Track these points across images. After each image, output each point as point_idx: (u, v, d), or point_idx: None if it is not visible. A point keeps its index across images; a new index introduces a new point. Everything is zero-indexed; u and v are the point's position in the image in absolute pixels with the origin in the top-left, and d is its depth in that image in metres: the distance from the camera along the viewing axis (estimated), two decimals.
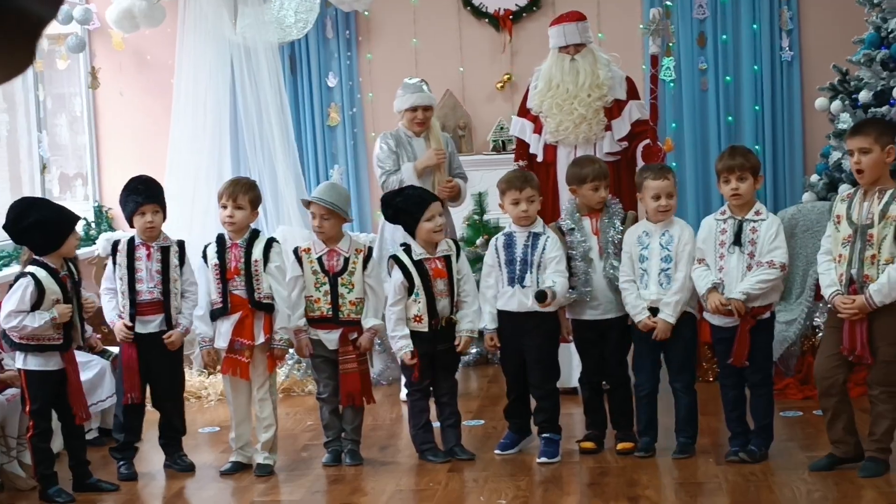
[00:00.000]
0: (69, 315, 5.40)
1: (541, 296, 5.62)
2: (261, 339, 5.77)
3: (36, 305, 5.33)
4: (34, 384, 5.42)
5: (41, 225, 5.36)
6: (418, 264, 5.80)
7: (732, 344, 5.47)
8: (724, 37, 9.00)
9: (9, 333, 5.42)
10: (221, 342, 5.80)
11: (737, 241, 5.46)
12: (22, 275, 5.40)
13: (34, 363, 5.41)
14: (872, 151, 5.15)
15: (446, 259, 5.82)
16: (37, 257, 5.42)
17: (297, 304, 5.81)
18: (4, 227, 5.48)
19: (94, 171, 9.32)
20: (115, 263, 5.81)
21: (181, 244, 5.94)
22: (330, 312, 5.77)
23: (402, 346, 5.78)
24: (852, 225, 5.19)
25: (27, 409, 5.46)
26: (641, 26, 8.55)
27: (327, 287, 5.78)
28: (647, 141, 6.81)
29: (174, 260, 5.84)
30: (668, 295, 5.62)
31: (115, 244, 5.87)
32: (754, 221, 5.48)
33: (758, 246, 5.44)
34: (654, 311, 5.65)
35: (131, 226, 5.87)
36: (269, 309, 5.76)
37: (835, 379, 5.28)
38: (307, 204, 5.98)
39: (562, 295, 5.68)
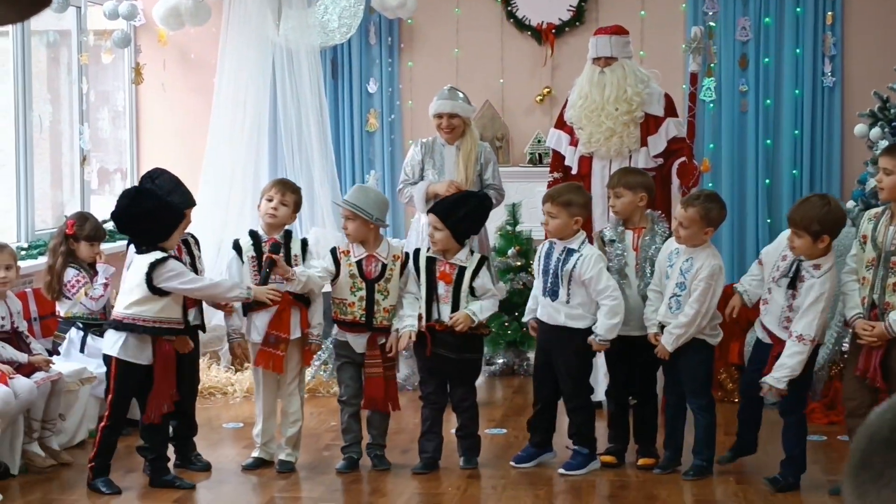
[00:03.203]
0: (269, 297, 5.66)
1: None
2: (297, 333, 5.79)
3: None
4: (122, 374, 5.38)
5: (154, 213, 5.36)
6: (429, 263, 5.81)
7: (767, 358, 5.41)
8: (766, 60, 8.97)
9: (123, 315, 5.33)
10: (256, 336, 5.81)
11: (792, 284, 5.31)
12: (159, 263, 5.31)
13: (131, 353, 5.34)
14: (894, 174, 5.13)
15: (460, 268, 5.80)
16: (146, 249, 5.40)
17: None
18: (116, 215, 5.40)
19: (133, 166, 9.40)
20: None
21: (193, 236, 5.96)
22: (363, 318, 5.76)
23: (406, 324, 5.74)
24: (876, 249, 5.14)
25: (109, 398, 5.42)
26: (683, 45, 8.55)
27: (363, 293, 5.75)
28: (683, 158, 6.80)
29: (196, 251, 5.89)
30: (672, 325, 5.57)
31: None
32: (807, 271, 5.29)
33: (798, 298, 5.30)
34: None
35: None
36: (307, 302, 5.81)
37: (861, 400, 5.23)
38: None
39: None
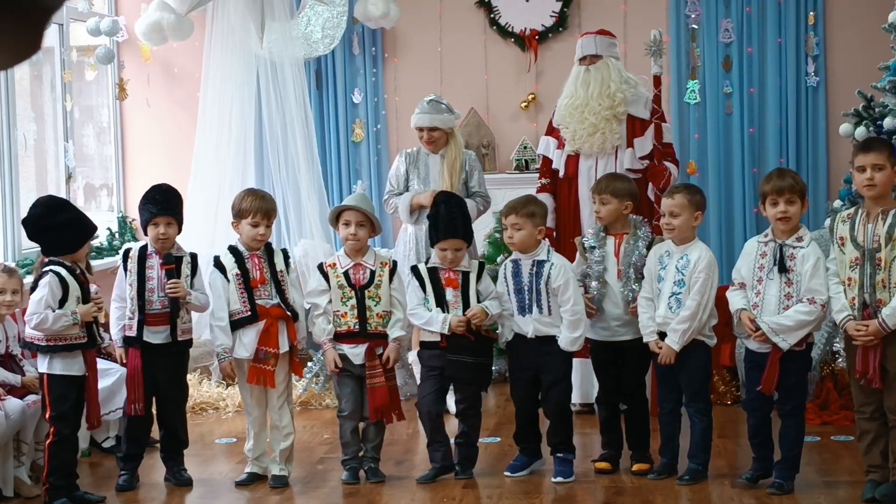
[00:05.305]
0: (92, 315, 5.46)
1: None
2: (286, 347, 5.79)
3: (62, 302, 5.36)
4: (56, 388, 5.40)
5: (69, 225, 5.43)
6: (432, 273, 5.82)
7: (764, 370, 5.38)
8: (750, 60, 8.99)
9: (33, 336, 5.42)
10: (244, 352, 5.79)
11: (782, 267, 5.31)
12: (43, 274, 5.43)
13: (59, 367, 5.40)
14: (886, 168, 5.14)
15: (463, 274, 5.82)
16: (53, 258, 5.45)
17: (326, 317, 5.79)
18: (28, 222, 5.48)
19: (119, 182, 9.38)
20: (125, 271, 5.77)
21: (193, 257, 5.91)
22: (357, 326, 5.75)
23: (441, 317, 5.72)
24: (858, 248, 5.13)
25: (47, 415, 5.43)
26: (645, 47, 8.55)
27: (354, 301, 5.76)
28: (653, 161, 6.85)
29: (185, 271, 5.81)
30: (675, 321, 5.56)
31: (127, 252, 5.86)
32: (793, 247, 5.32)
33: (795, 274, 5.30)
34: (664, 335, 5.62)
35: (145, 234, 5.86)
36: (295, 316, 5.82)
37: (877, 404, 5.21)
38: (336, 216, 5.97)
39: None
